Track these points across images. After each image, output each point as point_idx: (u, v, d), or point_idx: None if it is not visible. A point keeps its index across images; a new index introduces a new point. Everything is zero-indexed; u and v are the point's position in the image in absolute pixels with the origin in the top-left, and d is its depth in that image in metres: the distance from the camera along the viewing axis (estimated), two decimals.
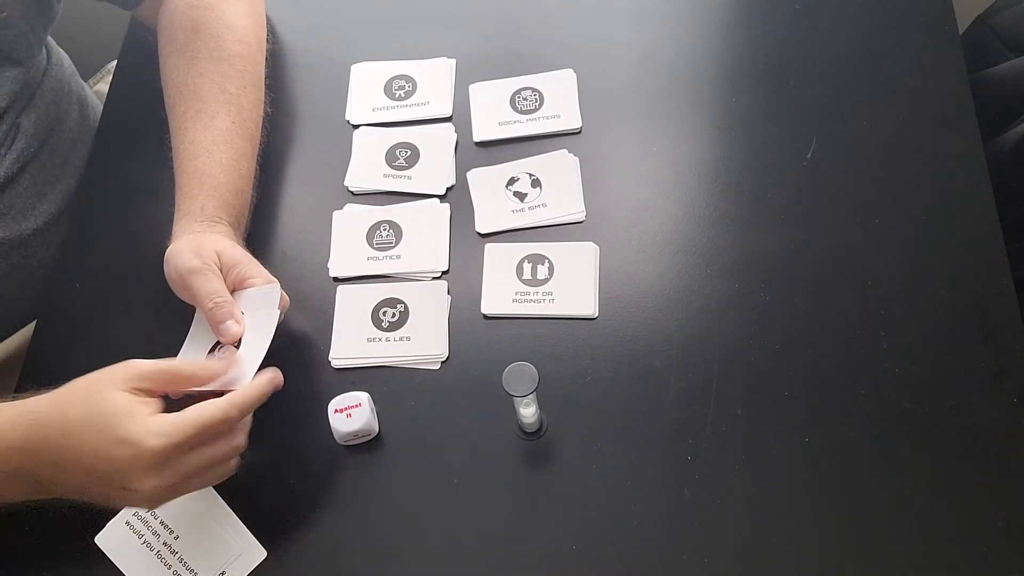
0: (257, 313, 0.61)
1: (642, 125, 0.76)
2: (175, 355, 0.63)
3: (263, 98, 0.76)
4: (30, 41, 0.73)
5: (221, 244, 0.63)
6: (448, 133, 0.78)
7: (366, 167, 0.77)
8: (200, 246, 0.63)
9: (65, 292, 0.75)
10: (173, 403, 0.56)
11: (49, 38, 0.82)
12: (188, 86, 0.71)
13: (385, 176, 0.76)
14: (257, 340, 0.60)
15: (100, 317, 0.73)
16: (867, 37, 0.78)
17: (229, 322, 0.60)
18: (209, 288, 0.61)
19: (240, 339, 0.61)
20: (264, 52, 0.77)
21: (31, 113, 0.77)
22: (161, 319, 0.67)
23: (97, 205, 0.79)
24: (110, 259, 0.76)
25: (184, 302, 0.65)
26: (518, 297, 0.68)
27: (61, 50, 0.86)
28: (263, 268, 0.64)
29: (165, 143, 0.72)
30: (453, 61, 0.83)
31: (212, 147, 0.68)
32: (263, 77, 0.76)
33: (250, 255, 0.65)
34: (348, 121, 0.80)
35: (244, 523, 0.61)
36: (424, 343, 0.67)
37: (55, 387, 0.55)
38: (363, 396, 0.62)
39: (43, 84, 0.79)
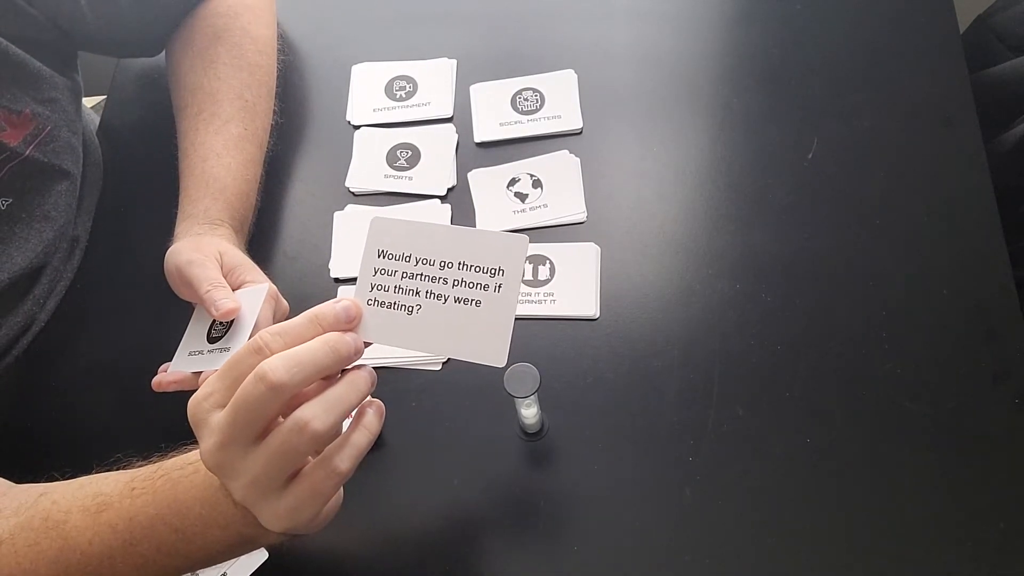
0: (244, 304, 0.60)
1: (643, 125, 0.76)
2: (174, 353, 0.63)
3: (273, 107, 0.76)
4: (74, 145, 0.71)
5: (223, 246, 0.63)
6: (449, 134, 0.78)
7: (367, 168, 0.77)
8: (202, 245, 0.63)
9: (66, 291, 0.75)
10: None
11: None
12: (204, 88, 0.71)
13: (386, 177, 0.76)
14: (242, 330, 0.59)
15: (100, 317, 0.74)
16: (867, 37, 0.79)
17: (222, 300, 0.57)
18: (207, 275, 0.60)
19: (233, 317, 0.59)
20: (276, 62, 0.78)
21: (84, 219, 0.76)
22: (161, 320, 0.67)
23: (97, 208, 0.79)
24: (110, 260, 0.76)
25: (184, 303, 0.65)
26: (519, 298, 0.68)
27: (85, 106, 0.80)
28: (263, 274, 0.64)
29: (164, 145, 0.71)
30: (454, 62, 0.83)
31: (223, 151, 0.68)
32: (275, 87, 0.77)
33: (250, 260, 0.65)
34: (349, 122, 0.80)
35: None
36: None
37: None
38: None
39: (86, 178, 0.76)
